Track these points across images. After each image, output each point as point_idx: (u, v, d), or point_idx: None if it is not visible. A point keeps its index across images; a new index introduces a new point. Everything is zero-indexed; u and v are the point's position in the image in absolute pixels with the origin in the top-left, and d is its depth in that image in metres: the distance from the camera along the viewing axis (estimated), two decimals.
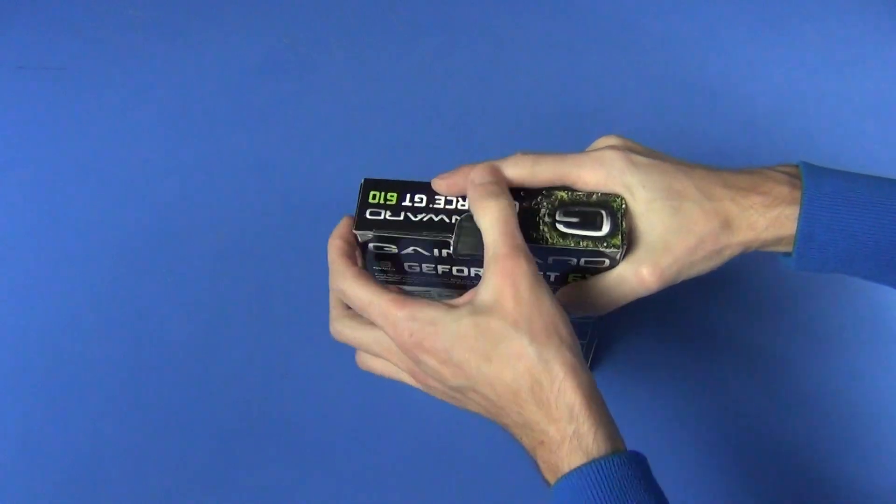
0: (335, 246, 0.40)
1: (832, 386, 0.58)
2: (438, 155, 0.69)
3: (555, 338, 0.34)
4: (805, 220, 0.37)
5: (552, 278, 0.41)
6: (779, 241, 0.38)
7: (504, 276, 0.34)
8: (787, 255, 0.39)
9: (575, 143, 0.43)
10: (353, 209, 0.41)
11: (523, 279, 0.34)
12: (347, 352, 0.63)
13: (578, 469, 0.32)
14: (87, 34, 0.80)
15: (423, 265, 0.42)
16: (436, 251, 0.40)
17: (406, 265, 0.42)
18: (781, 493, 0.55)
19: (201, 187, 0.70)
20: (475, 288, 0.36)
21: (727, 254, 0.38)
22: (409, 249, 0.41)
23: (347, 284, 0.38)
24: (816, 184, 0.37)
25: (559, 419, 0.33)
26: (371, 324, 0.38)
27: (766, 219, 0.37)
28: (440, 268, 0.42)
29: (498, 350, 0.34)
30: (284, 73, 0.76)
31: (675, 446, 0.56)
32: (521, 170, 0.39)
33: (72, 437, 0.59)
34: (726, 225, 0.37)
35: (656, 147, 0.41)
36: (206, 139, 0.73)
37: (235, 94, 0.75)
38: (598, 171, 0.38)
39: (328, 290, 0.42)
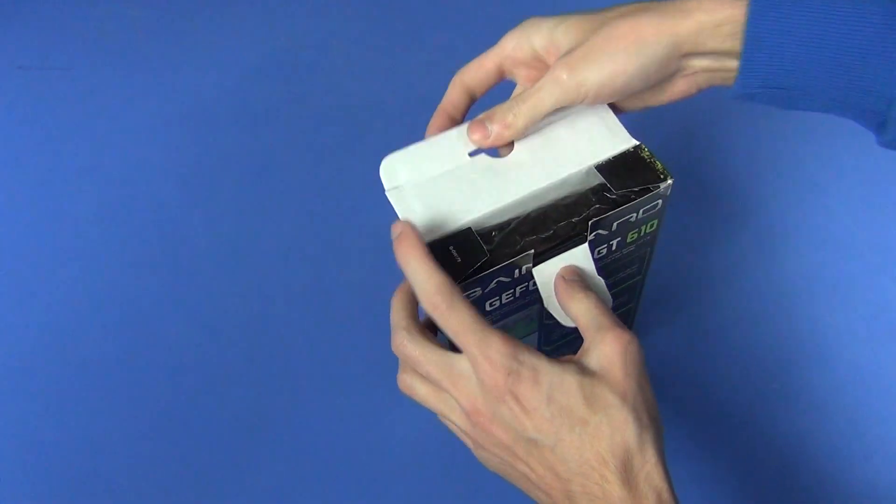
0: (401, 301, 0.39)
1: (832, 386, 0.58)
2: None
3: (654, 422, 0.33)
4: (753, 20, 0.35)
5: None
6: (724, 53, 0.36)
7: (616, 346, 0.33)
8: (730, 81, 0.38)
9: None
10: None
11: (634, 356, 0.34)
12: (347, 352, 0.63)
13: None
14: (87, 34, 0.80)
15: (503, 295, 0.40)
16: (516, 272, 0.39)
17: (487, 304, 0.40)
18: (781, 493, 0.55)
19: (201, 187, 0.70)
20: (580, 353, 0.35)
21: (663, 53, 0.37)
22: (493, 283, 0.39)
23: (415, 342, 0.36)
24: None
25: (644, 501, 0.32)
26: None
27: (710, 18, 0.36)
28: (518, 289, 0.40)
29: (598, 417, 0.32)
30: (284, 73, 0.76)
31: (672, 446, 0.56)
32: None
33: (72, 437, 0.59)
34: (656, 14, 0.37)
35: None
36: (206, 139, 0.73)
37: (235, 94, 0.75)
38: (520, 47, 0.41)
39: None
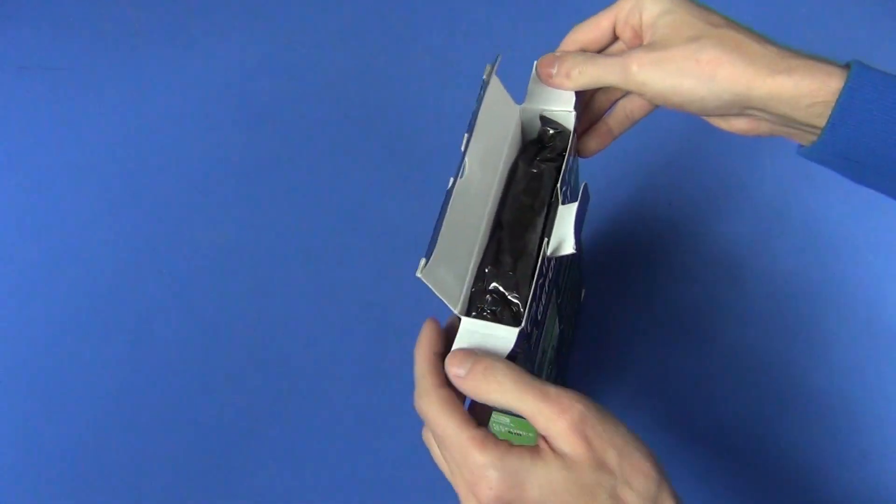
0: (424, 358, 0.37)
1: (830, 386, 0.58)
2: (440, 155, 0.69)
3: (651, 475, 0.32)
4: (849, 90, 0.35)
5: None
6: (809, 105, 0.36)
7: (565, 421, 0.32)
8: (806, 141, 0.38)
9: None
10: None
11: (605, 423, 0.32)
12: (346, 352, 0.63)
13: None
14: (87, 34, 0.80)
15: (544, 296, 0.41)
16: (543, 268, 0.40)
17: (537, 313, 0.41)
18: (781, 493, 0.55)
19: (201, 187, 0.70)
20: (540, 443, 0.33)
21: (728, 98, 0.37)
22: (540, 291, 0.40)
23: (432, 409, 0.34)
24: (865, 70, 0.36)
25: None
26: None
27: (794, 87, 0.35)
28: (548, 282, 0.42)
29: (597, 500, 0.31)
30: (284, 73, 0.76)
31: (673, 447, 0.56)
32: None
33: (71, 437, 0.59)
34: (747, 57, 0.36)
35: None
36: (206, 139, 0.73)
37: (235, 94, 0.75)
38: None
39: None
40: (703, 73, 0.37)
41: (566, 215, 0.39)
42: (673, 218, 0.65)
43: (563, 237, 0.38)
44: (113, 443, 0.58)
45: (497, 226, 0.40)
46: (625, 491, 0.31)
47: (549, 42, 0.45)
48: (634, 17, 0.41)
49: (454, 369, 0.35)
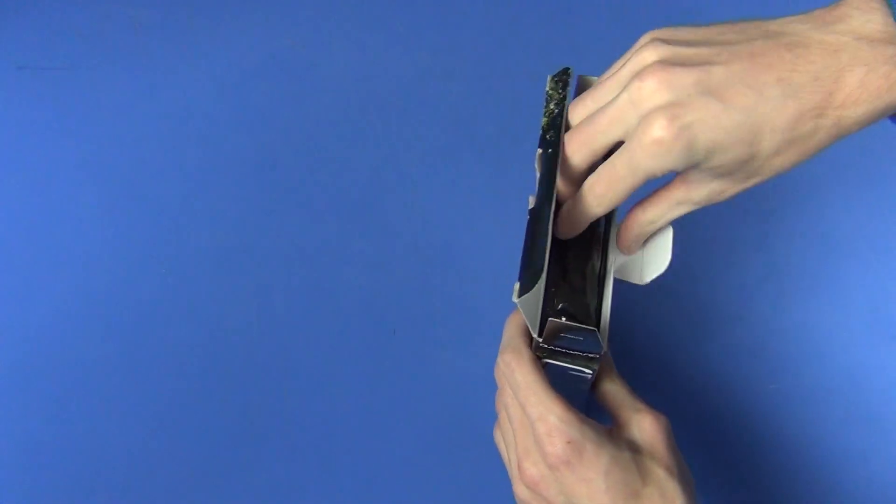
0: (518, 324, 0.39)
1: (830, 386, 0.58)
2: (440, 156, 0.69)
3: (692, 489, 0.36)
4: None
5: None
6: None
7: (658, 425, 0.37)
8: None
9: None
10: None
11: (670, 432, 0.37)
12: (346, 352, 0.63)
13: None
14: (87, 34, 0.80)
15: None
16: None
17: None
18: (780, 494, 0.55)
19: (201, 187, 0.70)
20: (616, 427, 0.38)
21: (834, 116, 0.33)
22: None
23: (523, 361, 0.37)
24: None
25: None
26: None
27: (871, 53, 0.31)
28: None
29: (650, 489, 0.35)
30: (284, 73, 0.76)
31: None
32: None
33: (71, 437, 0.59)
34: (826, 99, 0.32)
35: None
36: (206, 139, 0.73)
37: (236, 94, 0.75)
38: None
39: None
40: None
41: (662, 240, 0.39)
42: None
43: (658, 261, 0.39)
44: (113, 443, 0.58)
45: (554, 242, 0.38)
46: (672, 491, 0.35)
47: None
48: None
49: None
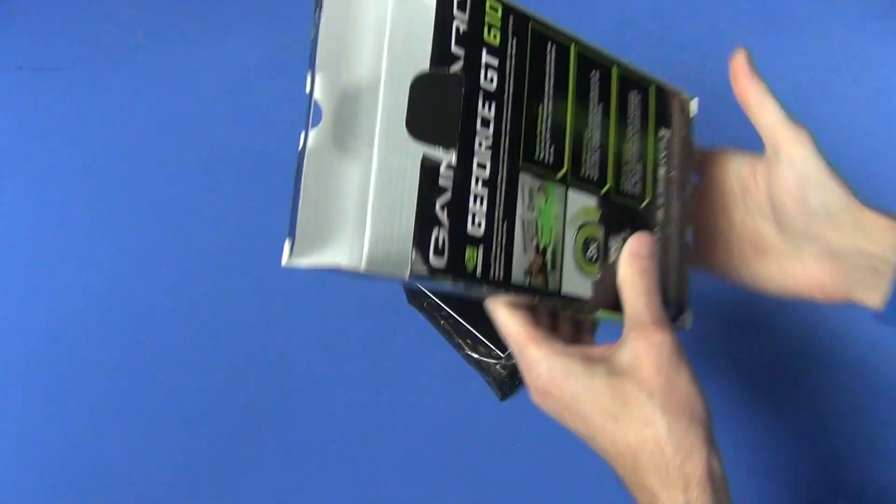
0: None
1: (831, 386, 0.58)
2: None
3: (687, 412, 0.35)
4: None
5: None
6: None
7: (648, 345, 0.36)
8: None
9: None
10: None
11: (666, 351, 0.35)
12: (347, 352, 0.63)
13: None
14: (87, 34, 0.80)
15: None
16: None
17: None
18: (780, 494, 0.55)
19: (202, 187, 0.70)
20: (613, 346, 0.37)
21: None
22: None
23: (499, 310, 0.38)
24: None
25: (674, 487, 0.33)
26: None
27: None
28: None
29: (627, 412, 0.35)
30: (284, 73, 0.76)
31: None
32: None
33: (71, 437, 0.59)
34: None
35: None
36: (206, 139, 0.73)
37: (235, 94, 0.75)
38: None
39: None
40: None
41: None
42: None
43: None
44: (113, 443, 0.58)
45: None
46: (656, 416, 0.34)
47: None
48: None
49: (639, 246, 0.39)
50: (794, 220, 0.40)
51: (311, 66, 0.33)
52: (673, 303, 0.42)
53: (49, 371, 0.61)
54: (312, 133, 0.33)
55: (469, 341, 0.60)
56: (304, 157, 0.32)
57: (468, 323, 0.58)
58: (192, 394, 0.60)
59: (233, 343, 0.62)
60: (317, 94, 0.33)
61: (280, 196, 0.68)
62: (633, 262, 0.39)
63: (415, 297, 0.63)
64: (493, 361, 0.59)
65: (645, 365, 0.35)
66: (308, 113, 0.33)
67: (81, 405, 0.60)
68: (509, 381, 0.59)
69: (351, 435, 0.58)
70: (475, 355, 0.59)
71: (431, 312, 0.62)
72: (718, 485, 0.34)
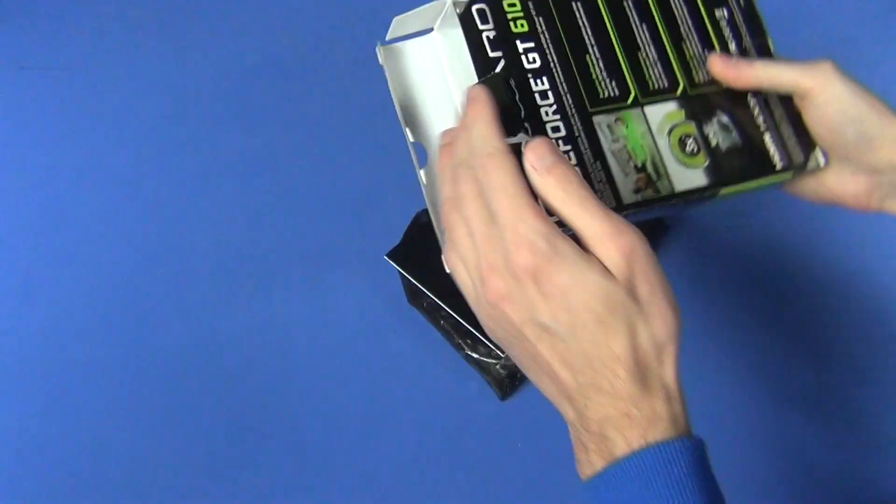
0: (490, 118, 0.35)
1: (831, 386, 0.58)
2: None
3: (669, 324, 0.33)
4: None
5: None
6: None
7: (633, 252, 0.33)
8: None
9: None
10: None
11: (643, 259, 0.33)
12: (347, 352, 0.63)
13: (671, 442, 0.32)
14: (87, 34, 0.80)
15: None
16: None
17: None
18: (781, 494, 0.55)
19: (201, 187, 0.70)
20: (597, 249, 0.33)
21: None
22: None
23: (498, 161, 0.33)
24: None
25: (656, 398, 0.33)
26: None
27: None
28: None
29: (615, 318, 0.32)
30: (284, 73, 0.76)
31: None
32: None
33: (72, 437, 0.59)
34: None
35: None
36: (206, 139, 0.73)
37: (235, 94, 0.75)
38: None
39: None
40: None
41: None
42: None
43: None
44: (113, 443, 0.58)
45: None
46: (640, 325, 0.33)
47: None
48: None
49: (535, 159, 0.33)
50: (832, 149, 0.43)
51: (401, 121, 0.39)
52: (798, 144, 0.43)
53: (49, 371, 0.61)
54: (422, 171, 0.39)
55: (469, 341, 0.60)
56: (424, 194, 0.38)
57: (468, 323, 0.58)
58: (192, 393, 0.60)
59: (233, 343, 0.62)
60: (413, 139, 0.39)
61: (280, 196, 0.69)
62: (543, 177, 0.33)
63: (415, 297, 0.63)
64: (493, 361, 0.59)
65: (636, 274, 0.33)
66: (413, 156, 0.38)
67: (81, 405, 0.60)
68: (509, 381, 0.59)
69: (351, 435, 0.58)
70: (475, 355, 0.59)
71: (431, 312, 0.62)
72: (683, 393, 0.34)
